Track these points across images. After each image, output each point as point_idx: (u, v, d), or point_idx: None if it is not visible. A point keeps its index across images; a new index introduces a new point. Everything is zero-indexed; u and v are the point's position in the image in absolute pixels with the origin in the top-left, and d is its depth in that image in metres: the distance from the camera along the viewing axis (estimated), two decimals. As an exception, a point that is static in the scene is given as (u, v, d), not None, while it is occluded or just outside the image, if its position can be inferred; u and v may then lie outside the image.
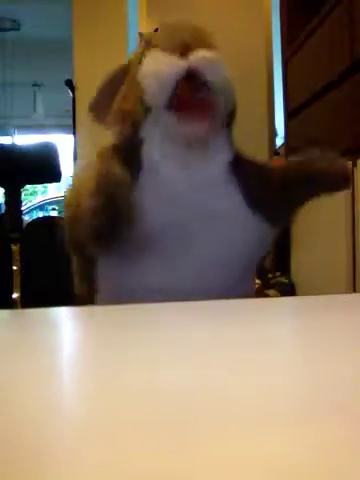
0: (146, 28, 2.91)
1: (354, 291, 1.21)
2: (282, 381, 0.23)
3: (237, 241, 0.66)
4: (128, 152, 0.66)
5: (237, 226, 0.66)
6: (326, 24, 1.39)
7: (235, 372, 0.25)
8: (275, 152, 2.32)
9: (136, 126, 0.67)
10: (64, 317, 0.43)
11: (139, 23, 2.97)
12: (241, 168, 0.68)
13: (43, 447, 0.17)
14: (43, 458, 0.16)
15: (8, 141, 7.19)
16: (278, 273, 1.78)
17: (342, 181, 0.73)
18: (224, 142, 0.69)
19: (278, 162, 0.74)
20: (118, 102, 0.70)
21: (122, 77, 0.71)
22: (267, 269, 1.89)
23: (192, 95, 0.63)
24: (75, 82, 3.15)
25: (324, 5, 1.38)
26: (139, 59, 0.68)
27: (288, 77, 1.77)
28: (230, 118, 0.71)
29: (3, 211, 1.26)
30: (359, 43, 1.18)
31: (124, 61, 0.74)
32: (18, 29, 4.90)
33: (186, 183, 0.65)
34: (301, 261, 1.67)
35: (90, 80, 3.41)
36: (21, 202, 1.26)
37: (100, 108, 0.73)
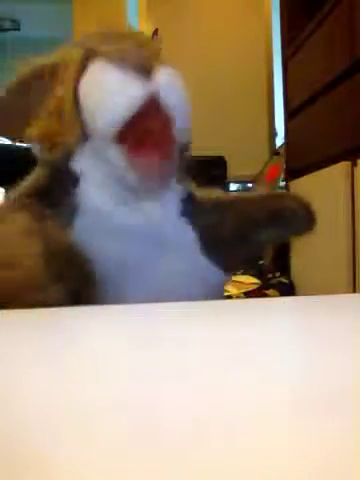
0: (146, 28, 2.91)
1: (354, 291, 1.21)
2: (282, 381, 0.23)
3: (191, 284, 0.57)
4: (58, 193, 0.55)
5: (189, 268, 0.58)
6: (326, 24, 1.39)
7: (234, 372, 0.25)
8: (275, 152, 2.32)
9: (68, 156, 0.55)
10: (63, 317, 0.43)
11: (139, 23, 2.97)
12: (195, 207, 0.60)
13: (42, 449, 0.17)
14: (41, 462, 0.16)
15: (8, 141, 7.18)
16: (278, 273, 1.78)
17: (309, 223, 0.64)
18: (178, 177, 0.59)
19: (235, 194, 0.65)
20: (44, 118, 0.55)
21: (46, 80, 0.56)
22: (267, 269, 1.89)
23: (151, 125, 0.53)
24: (75, 82, 3.15)
25: (324, 5, 1.38)
26: (77, 68, 0.54)
27: (288, 77, 1.77)
28: (185, 149, 0.60)
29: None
30: (359, 43, 1.18)
31: None
32: (18, 29, 4.91)
33: (135, 221, 0.55)
34: (301, 261, 1.67)
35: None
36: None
37: (6, 113, 0.57)
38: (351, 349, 0.29)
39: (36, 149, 0.57)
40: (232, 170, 2.73)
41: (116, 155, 0.53)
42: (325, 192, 1.38)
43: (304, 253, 1.63)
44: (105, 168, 0.54)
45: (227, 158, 2.72)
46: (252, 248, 0.64)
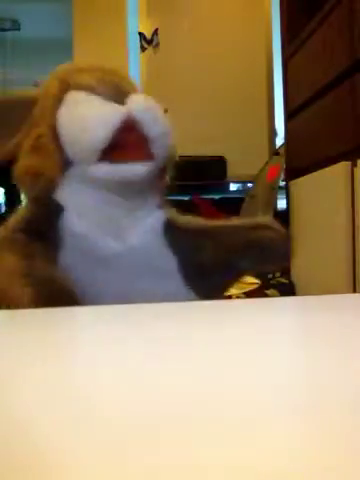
0: (146, 28, 2.91)
1: (354, 291, 1.21)
2: (281, 381, 0.23)
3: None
4: (44, 226, 0.57)
5: (171, 293, 0.58)
6: (326, 24, 1.39)
7: (234, 372, 0.25)
8: (275, 152, 2.32)
9: (51, 188, 0.58)
10: (63, 317, 0.43)
11: (139, 23, 2.97)
12: (176, 234, 0.61)
13: (41, 447, 0.17)
14: (41, 458, 0.16)
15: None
16: (278, 273, 1.78)
17: (285, 255, 0.64)
18: (157, 202, 0.62)
19: (215, 222, 0.66)
20: (25, 157, 0.58)
21: (25, 113, 0.59)
22: (267, 269, 1.89)
23: (128, 138, 0.56)
24: (75, 82, 3.15)
25: (324, 5, 1.38)
26: (53, 102, 0.57)
27: (288, 77, 1.77)
28: (163, 173, 0.63)
29: (3, 211, 1.26)
30: (359, 43, 1.18)
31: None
32: (18, 29, 4.91)
33: (117, 248, 0.57)
34: (301, 261, 1.67)
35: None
36: (21, 202, 1.26)
37: None
38: (351, 349, 0.29)
39: (20, 186, 0.60)
40: (232, 170, 2.73)
41: (101, 170, 0.56)
42: (325, 192, 1.38)
43: (304, 253, 1.63)
44: (89, 191, 0.57)
45: (227, 158, 2.72)
46: (231, 275, 0.65)
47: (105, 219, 0.58)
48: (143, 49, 2.90)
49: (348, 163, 1.24)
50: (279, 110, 2.43)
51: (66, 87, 0.58)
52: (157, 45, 2.88)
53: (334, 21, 1.33)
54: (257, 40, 2.95)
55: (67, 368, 0.27)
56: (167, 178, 0.64)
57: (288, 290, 1.66)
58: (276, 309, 0.44)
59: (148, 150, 0.57)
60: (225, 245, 0.62)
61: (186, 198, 2.83)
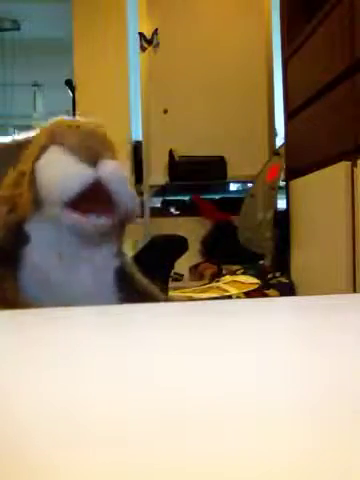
0: (146, 28, 2.91)
1: (354, 291, 1.21)
2: (281, 381, 0.23)
3: None
4: (11, 252, 0.66)
5: None
6: (326, 24, 1.39)
7: (234, 372, 0.25)
8: (275, 152, 2.32)
9: (22, 218, 0.67)
10: (62, 317, 0.43)
11: (139, 23, 2.97)
12: (126, 282, 0.69)
13: (42, 448, 0.17)
14: (42, 459, 0.16)
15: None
16: (278, 273, 1.78)
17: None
18: (115, 250, 0.70)
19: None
20: (7, 186, 0.68)
21: (12, 154, 0.69)
22: (267, 269, 1.89)
23: (94, 198, 0.64)
24: (75, 82, 3.15)
25: (324, 5, 1.38)
26: (38, 150, 0.67)
27: (288, 77, 1.77)
28: (123, 227, 0.72)
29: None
30: (359, 43, 1.18)
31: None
32: (18, 29, 4.91)
33: (72, 285, 0.66)
34: (301, 261, 1.67)
35: (90, 80, 3.39)
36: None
37: None
38: (351, 349, 0.29)
39: None
40: (232, 170, 2.73)
41: (67, 217, 0.64)
42: (325, 192, 1.38)
43: (304, 253, 1.63)
44: (55, 230, 0.66)
45: (227, 158, 2.72)
46: None
47: (64, 256, 0.66)
48: (143, 49, 2.90)
49: (348, 163, 1.24)
50: (279, 110, 2.43)
51: (52, 140, 0.67)
52: (157, 45, 2.88)
53: (334, 21, 1.33)
54: (257, 40, 2.95)
55: (65, 369, 0.27)
56: (124, 230, 0.73)
57: (288, 290, 1.66)
58: (276, 309, 0.44)
59: (111, 207, 0.66)
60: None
61: (186, 198, 2.83)
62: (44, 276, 0.65)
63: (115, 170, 0.66)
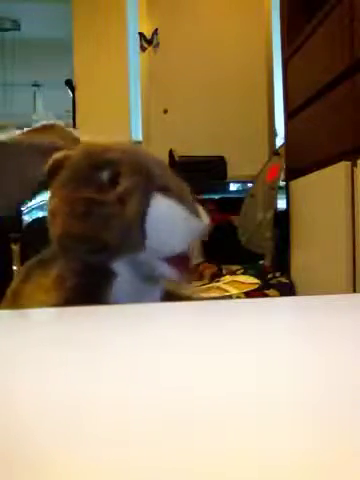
0: (146, 28, 2.91)
1: (354, 291, 1.21)
2: (281, 381, 0.23)
3: None
4: (95, 291, 0.64)
5: None
6: (326, 24, 1.39)
7: (235, 371, 0.25)
8: (275, 152, 2.32)
9: (109, 257, 0.64)
10: (62, 317, 0.43)
11: (139, 23, 2.97)
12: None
13: (42, 448, 0.17)
14: (43, 459, 0.16)
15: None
16: (278, 273, 1.78)
17: None
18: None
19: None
20: (72, 218, 0.64)
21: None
22: (267, 269, 1.89)
23: (188, 258, 0.64)
24: (75, 82, 3.16)
25: (324, 5, 1.38)
26: (132, 192, 0.62)
27: (288, 77, 1.77)
28: None
29: (3, 211, 1.26)
30: (359, 43, 1.18)
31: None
32: (18, 29, 4.91)
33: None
34: (301, 261, 1.67)
35: (90, 80, 3.39)
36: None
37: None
38: (351, 348, 0.29)
39: (65, 249, 0.68)
40: (232, 170, 2.73)
41: (161, 268, 0.62)
42: (325, 192, 1.38)
43: (304, 253, 1.63)
44: (134, 268, 0.63)
45: (227, 158, 2.72)
46: None
47: (133, 291, 0.64)
48: (143, 49, 2.90)
49: (348, 163, 1.24)
50: (279, 110, 2.43)
51: (149, 184, 0.62)
52: (157, 45, 2.88)
53: (334, 21, 1.33)
54: (257, 40, 2.95)
55: (65, 369, 0.27)
56: None
57: (288, 290, 1.66)
58: (276, 309, 0.44)
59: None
60: None
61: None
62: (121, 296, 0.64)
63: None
